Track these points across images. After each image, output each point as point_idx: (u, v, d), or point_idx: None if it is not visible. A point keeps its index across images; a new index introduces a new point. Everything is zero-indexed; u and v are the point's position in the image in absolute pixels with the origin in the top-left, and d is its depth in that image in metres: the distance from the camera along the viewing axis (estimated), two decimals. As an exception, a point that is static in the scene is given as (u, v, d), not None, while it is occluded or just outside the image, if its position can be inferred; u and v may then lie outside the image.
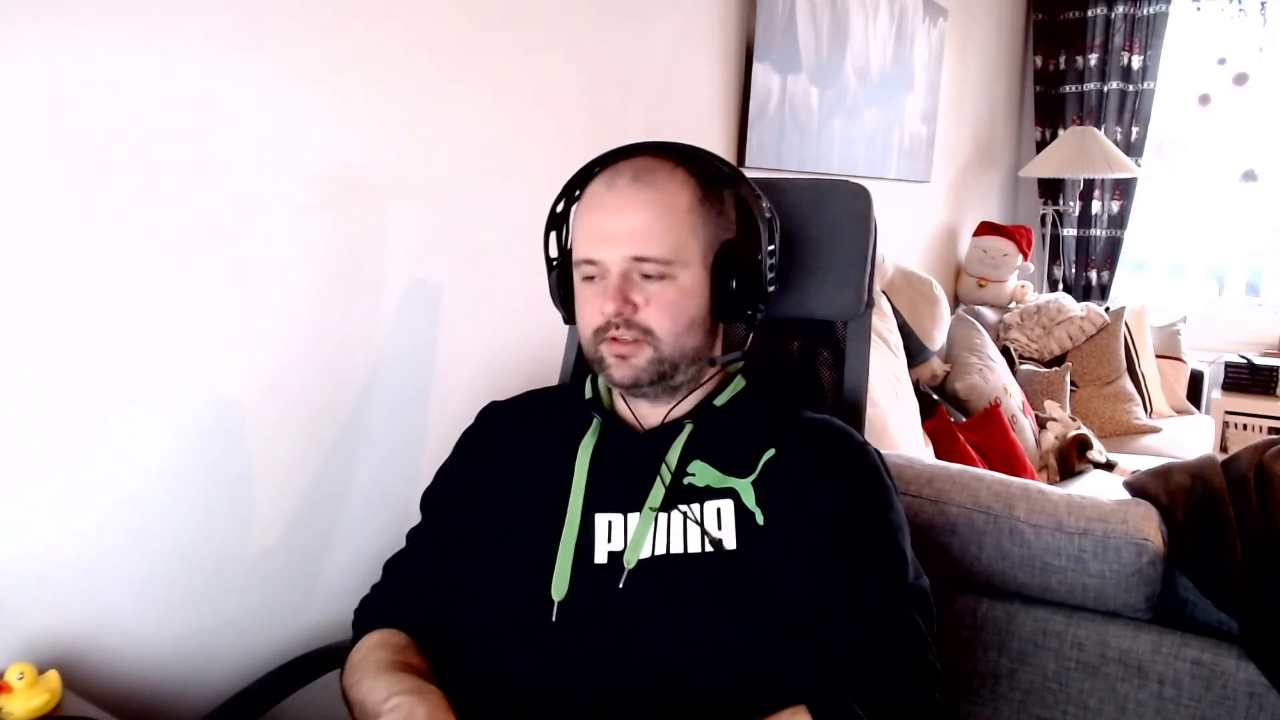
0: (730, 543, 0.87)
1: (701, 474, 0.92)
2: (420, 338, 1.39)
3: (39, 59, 0.90)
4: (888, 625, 0.84)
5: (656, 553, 0.88)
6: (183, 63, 1.01)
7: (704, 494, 0.90)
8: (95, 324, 0.98)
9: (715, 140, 2.11)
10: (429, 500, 1.05)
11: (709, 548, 0.87)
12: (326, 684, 1.07)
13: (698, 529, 0.88)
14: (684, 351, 0.93)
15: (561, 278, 1.00)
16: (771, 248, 0.96)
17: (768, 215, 0.97)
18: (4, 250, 0.90)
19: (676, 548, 0.88)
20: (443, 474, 1.05)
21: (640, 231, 0.90)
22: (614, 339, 0.91)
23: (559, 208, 1.01)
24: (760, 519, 0.88)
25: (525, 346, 1.51)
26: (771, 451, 0.91)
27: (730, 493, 0.90)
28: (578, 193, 0.98)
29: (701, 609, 0.86)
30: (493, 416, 1.06)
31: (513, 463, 0.99)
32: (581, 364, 1.21)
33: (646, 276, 0.91)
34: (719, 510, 0.89)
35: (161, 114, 1.00)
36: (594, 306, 0.92)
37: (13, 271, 0.91)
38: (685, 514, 0.89)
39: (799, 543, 0.86)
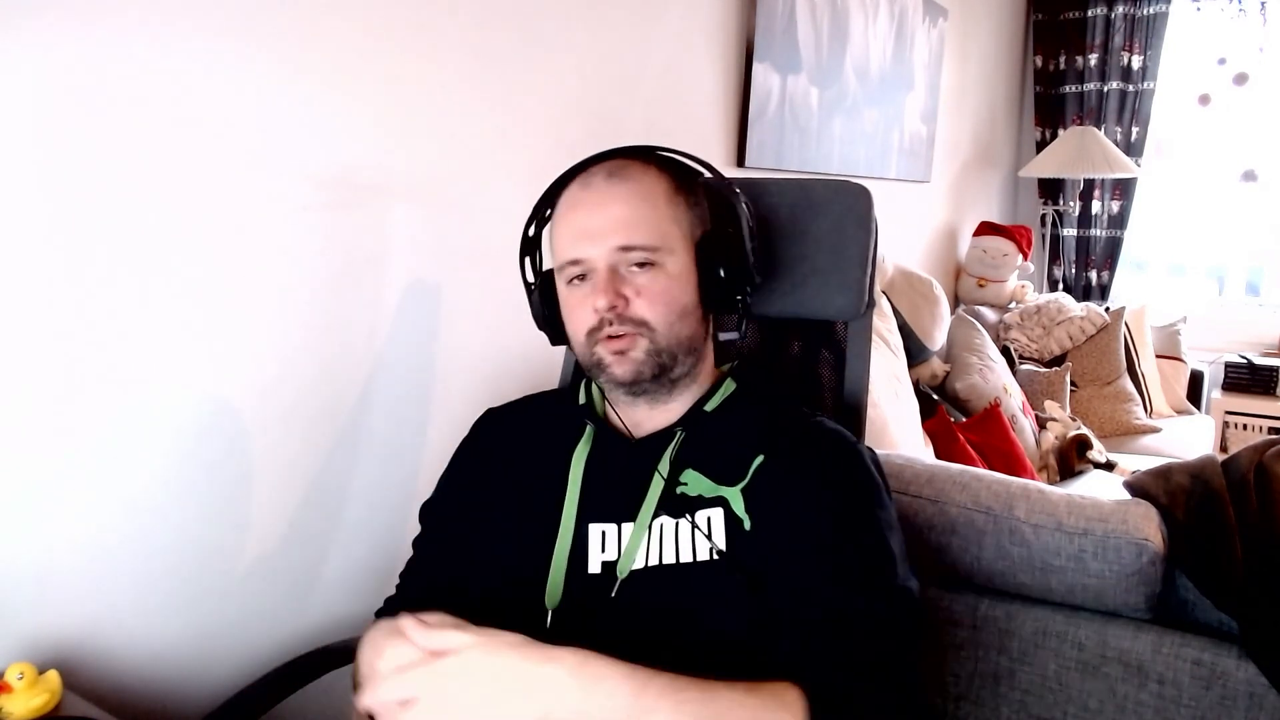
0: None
1: (694, 483, 0.91)
2: (420, 338, 1.39)
3: (33, 57, 0.90)
4: (866, 622, 0.80)
5: (650, 563, 0.88)
6: (182, 62, 1.01)
7: (695, 504, 0.90)
8: (95, 324, 0.98)
9: (715, 140, 2.11)
10: (428, 511, 1.05)
11: (703, 557, 0.87)
12: (326, 684, 1.08)
13: (690, 540, 0.87)
14: (679, 340, 0.92)
15: (545, 297, 0.99)
16: (751, 233, 0.96)
17: (743, 202, 0.97)
18: (5, 250, 0.90)
19: (669, 558, 0.87)
20: (442, 485, 1.05)
21: (623, 221, 0.90)
22: (609, 336, 0.90)
23: (530, 230, 1.01)
24: (747, 525, 0.87)
25: (526, 346, 1.51)
26: (761, 458, 0.90)
27: (721, 501, 0.89)
28: (548, 211, 0.97)
29: (691, 617, 0.85)
30: (488, 426, 1.06)
31: (508, 471, 0.99)
32: (579, 368, 1.21)
33: (635, 267, 0.90)
34: (709, 519, 0.88)
35: (161, 114, 1.00)
36: (584, 307, 0.91)
37: (13, 271, 0.91)
38: (694, 525, 0.88)
39: (784, 544, 0.85)
